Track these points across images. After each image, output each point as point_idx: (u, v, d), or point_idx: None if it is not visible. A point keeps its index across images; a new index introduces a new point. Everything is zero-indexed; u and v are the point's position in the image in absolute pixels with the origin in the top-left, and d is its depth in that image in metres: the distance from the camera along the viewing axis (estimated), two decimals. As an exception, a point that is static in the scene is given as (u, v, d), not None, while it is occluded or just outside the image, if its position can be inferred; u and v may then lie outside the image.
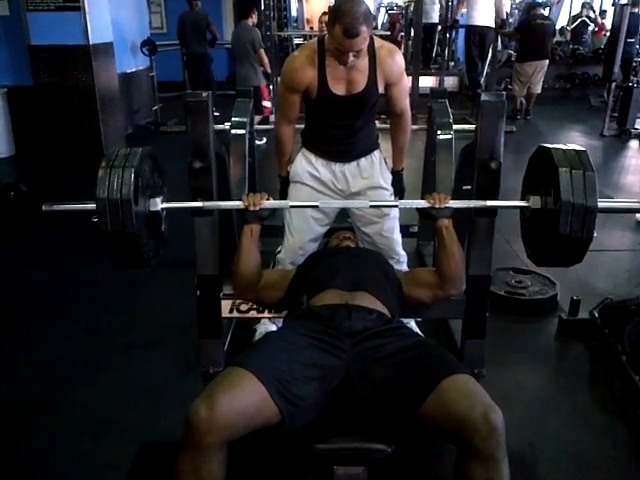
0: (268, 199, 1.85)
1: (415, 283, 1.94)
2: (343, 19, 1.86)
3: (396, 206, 2.01)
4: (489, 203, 1.89)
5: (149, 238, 1.74)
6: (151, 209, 1.75)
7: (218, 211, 2.15)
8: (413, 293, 1.92)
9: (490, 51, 7.52)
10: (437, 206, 1.80)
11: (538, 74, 7.59)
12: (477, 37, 7.28)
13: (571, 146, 1.70)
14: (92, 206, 1.66)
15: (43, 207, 1.76)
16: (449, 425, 1.33)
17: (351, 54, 1.95)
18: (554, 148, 1.68)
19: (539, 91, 7.78)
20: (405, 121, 2.31)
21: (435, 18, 9.90)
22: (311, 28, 10.58)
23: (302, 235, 2.33)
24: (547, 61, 7.69)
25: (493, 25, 7.29)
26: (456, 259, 1.85)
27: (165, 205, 1.81)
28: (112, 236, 1.63)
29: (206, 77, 7.61)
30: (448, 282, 1.86)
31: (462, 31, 8.32)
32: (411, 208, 1.92)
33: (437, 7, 9.88)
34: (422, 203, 1.85)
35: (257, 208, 1.81)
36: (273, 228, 2.64)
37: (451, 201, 1.82)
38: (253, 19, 6.29)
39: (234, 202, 1.90)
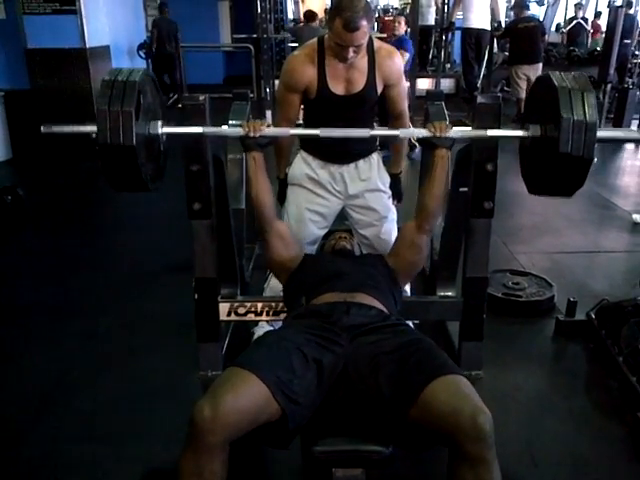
0: (268, 126, 1.87)
1: (399, 248, 1.99)
2: (343, 13, 1.88)
3: (397, 135, 2.02)
4: (489, 132, 1.89)
5: (148, 160, 1.73)
6: (151, 131, 1.75)
7: (216, 214, 2.15)
8: (402, 260, 1.97)
9: (486, 53, 7.54)
10: (438, 134, 1.84)
11: (533, 77, 7.58)
12: (473, 40, 7.30)
13: (571, 73, 1.70)
14: (92, 128, 1.65)
15: (42, 129, 1.75)
16: (438, 426, 1.33)
17: (351, 49, 1.96)
18: (553, 73, 1.69)
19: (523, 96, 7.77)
20: (404, 123, 2.32)
21: (431, 20, 9.92)
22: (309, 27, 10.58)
23: (300, 238, 2.33)
24: (540, 65, 7.58)
25: (489, 28, 7.31)
26: (437, 192, 1.92)
27: (165, 129, 1.81)
28: (111, 150, 1.62)
29: (173, 78, 8.44)
30: (424, 216, 1.92)
31: (458, 33, 8.35)
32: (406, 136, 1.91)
33: (433, 9, 9.90)
34: (423, 132, 1.89)
35: (257, 134, 1.83)
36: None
37: (452, 131, 1.85)
38: (316, 21, 7.16)
39: (234, 129, 1.90)
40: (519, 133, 1.81)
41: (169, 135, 1.85)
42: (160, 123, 1.80)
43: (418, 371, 1.41)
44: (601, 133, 1.62)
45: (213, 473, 1.31)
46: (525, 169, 1.88)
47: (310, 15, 7.44)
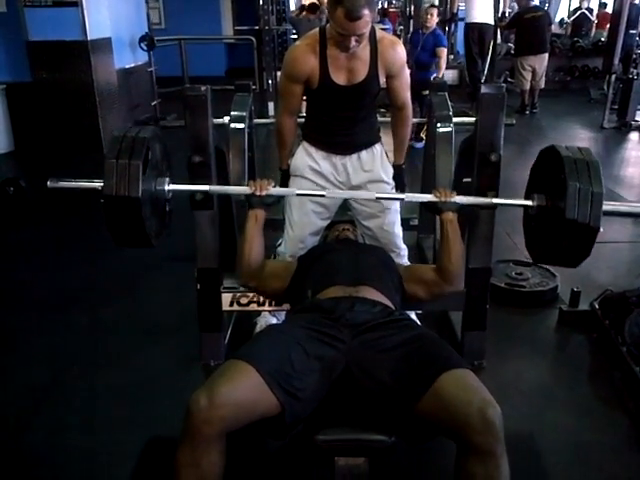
0: (275, 186, 1.86)
1: (413, 279, 1.94)
2: (345, 2, 1.86)
3: (402, 199, 2.00)
4: (495, 201, 1.89)
5: (152, 215, 1.72)
6: (157, 187, 1.75)
7: (218, 205, 2.15)
8: (410, 289, 1.92)
9: (490, 48, 7.49)
10: (443, 199, 1.80)
11: (539, 69, 7.56)
12: (476, 34, 7.25)
13: (575, 146, 1.69)
14: (98, 184, 1.66)
15: (48, 183, 1.76)
16: (446, 421, 1.32)
17: (353, 39, 1.94)
18: (558, 145, 1.69)
19: (542, 85, 7.73)
20: (406, 114, 2.31)
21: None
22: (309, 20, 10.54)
23: (303, 229, 2.33)
24: (546, 55, 7.60)
25: (492, 22, 7.26)
26: (457, 254, 1.85)
27: (172, 187, 1.80)
28: (116, 202, 1.61)
29: None
30: (447, 277, 1.86)
31: (461, 25, 8.30)
32: (411, 201, 1.92)
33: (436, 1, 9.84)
34: (428, 197, 1.85)
35: (263, 193, 1.82)
36: (273, 221, 2.64)
37: (457, 197, 1.81)
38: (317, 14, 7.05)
39: (241, 187, 1.90)
40: (525, 202, 1.78)
41: (175, 191, 1.84)
42: (167, 180, 1.79)
43: (425, 366, 1.41)
44: (606, 207, 1.60)
45: (210, 463, 1.31)
46: (530, 238, 1.85)
47: (312, 6, 7.43)
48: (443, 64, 5.79)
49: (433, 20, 5.84)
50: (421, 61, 5.88)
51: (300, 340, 1.49)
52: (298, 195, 1.97)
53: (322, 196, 2.03)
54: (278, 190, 1.89)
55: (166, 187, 1.78)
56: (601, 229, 1.60)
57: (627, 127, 6.86)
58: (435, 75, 5.72)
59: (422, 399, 1.36)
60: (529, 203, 1.75)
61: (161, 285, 3.04)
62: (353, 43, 1.96)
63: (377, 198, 2.04)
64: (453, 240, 1.84)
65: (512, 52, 8.54)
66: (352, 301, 1.65)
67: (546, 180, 1.71)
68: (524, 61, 7.53)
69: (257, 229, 1.87)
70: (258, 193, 1.81)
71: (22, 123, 5.76)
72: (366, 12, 1.88)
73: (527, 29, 7.33)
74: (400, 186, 2.43)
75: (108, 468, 1.88)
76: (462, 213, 1.95)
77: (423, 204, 1.92)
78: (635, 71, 7.28)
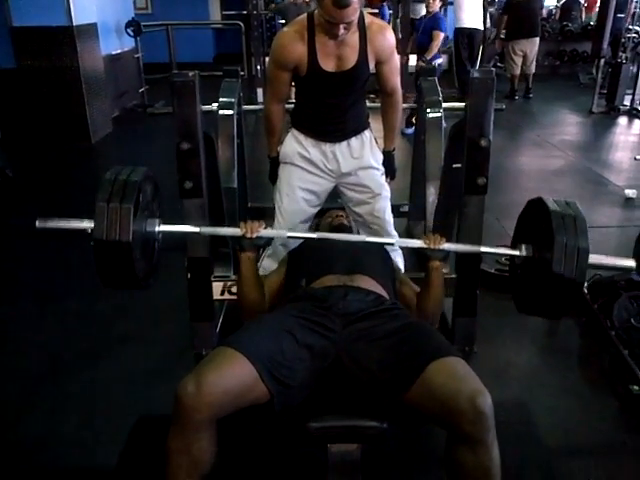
0: (265, 228, 1.83)
1: (399, 285, 1.93)
2: None
3: (392, 244, 1.98)
4: (482, 249, 1.88)
5: (142, 257, 1.69)
6: (148, 228, 1.72)
7: (208, 194, 2.13)
8: (399, 291, 1.92)
9: (479, 53, 7.47)
10: (432, 247, 1.80)
11: (530, 53, 7.56)
12: (465, 39, 7.22)
13: (570, 208, 1.69)
14: (88, 225, 1.65)
15: (37, 224, 1.74)
16: (437, 409, 1.32)
17: (342, 26, 1.92)
18: (545, 198, 1.69)
19: (533, 70, 7.75)
20: (396, 100, 2.30)
21: (422, 12, 9.80)
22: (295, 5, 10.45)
23: (292, 217, 2.32)
24: (537, 39, 7.61)
25: (481, 27, 7.26)
26: (437, 299, 1.85)
27: (162, 228, 1.77)
28: (106, 246, 1.60)
29: None
30: (424, 314, 1.85)
31: (450, 9, 8.24)
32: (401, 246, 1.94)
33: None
34: (418, 243, 1.83)
35: (254, 236, 1.78)
36: (263, 210, 2.63)
37: (446, 244, 1.81)
38: None
39: (232, 229, 1.86)
40: (512, 252, 1.78)
41: (165, 233, 1.81)
42: (157, 221, 1.76)
43: (414, 355, 1.40)
44: (593, 260, 1.61)
45: (201, 449, 1.32)
46: (515, 288, 1.86)
47: None
48: (435, 48, 5.77)
49: (436, 4, 5.89)
50: (421, 44, 5.93)
51: (291, 329, 1.48)
52: (289, 237, 1.94)
53: (313, 239, 1.93)
54: (268, 232, 1.86)
55: (157, 228, 1.76)
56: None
57: (616, 111, 6.88)
58: (426, 58, 5.71)
59: (411, 389, 1.35)
60: (516, 253, 1.75)
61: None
62: (342, 31, 1.94)
63: (366, 241, 1.92)
64: (436, 287, 1.84)
65: (502, 36, 8.51)
66: (345, 290, 1.64)
67: (533, 231, 1.71)
68: (515, 45, 7.53)
69: (251, 270, 1.83)
70: (249, 235, 1.78)
71: (7, 111, 5.67)
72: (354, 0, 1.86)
73: (518, 13, 7.33)
74: (390, 172, 2.43)
75: (103, 456, 1.88)
76: (451, 196, 1.94)
77: (413, 250, 1.94)
78: (624, 55, 7.29)
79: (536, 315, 1.82)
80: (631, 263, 1.73)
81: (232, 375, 1.34)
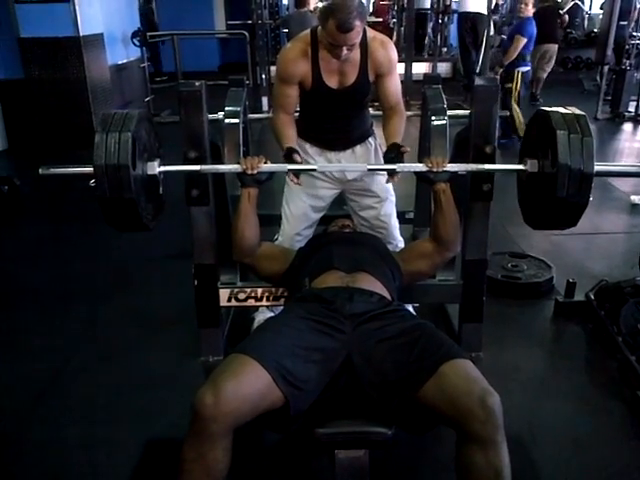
0: (266, 162, 1.87)
1: (412, 256, 1.98)
2: (337, 14, 1.84)
3: (394, 169, 1.98)
4: (487, 167, 1.91)
5: (147, 202, 1.74)
6: (148, 173, 1.75)
7: (214, 201, 2.15)
8: (412, 267, 1.96)
9: (484, 39, 7.46)
10: (435, 170, 1.83)
11: (545, 58, 7.52)
12: (469, 24, 7.21)
13: (570, 109, 1.69)
14: (90, 169, 1.66)
15: (40, 171, 1.77)
16: (447, 409, 1.34)
17: (345, 48, 1.94)
18: (552, 111, 1.68)
19: (544, 76, 7.73)
20: (399, 113, 2.21)
21: (427, 4, 9.85)
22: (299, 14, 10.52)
23: (298, 222, 2.34)
24: (556, 46, 7.53)
25: (485, 11, 7.23)
26: (452, 222, 1.91)
27: (162, 168, 1.81)
28: (110, 202, 1.64)
29: None
30: (444, 245, 1.91)
31: (456, 17, 8.27)
32: (403, 170, 1.95)
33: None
34: (420, 167, 1.87)
35: (255, 171, 1.83)
36: (269, 217, 2.64)
37: (448, 165, 1.84)
38: (309, 6, 6.59)
39: (233, 165, 1.90)
40: (518, 167, 1.81)
41: (167, 172, 1.85)
42: (157, 163, 1.79)
43: (425, 356, 1.42)
44: (598, 168, 1.63)
45: (216, 460, 1.32)
46: (522, 199, 1.90)
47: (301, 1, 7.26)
48: (512, 52, 5.54)
49: (528, 9, 5.65)
50: (502, 48, 5.77)
51: (301, 331, 1.50)
52: (289, 170, 1.97)
53: (314, 170, 2.03)
54: (269, 166, 1.89)
55: (157, 170, 1.79)
56: (591, 198, 1.65)
57: (620, 118, 6.87)
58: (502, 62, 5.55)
59: (423, 388, 1.37)
60: (521, 168, 1.77)
61: (159, 281, 3.04)
62: (344, 52, 1.96)
63: (369, 169, 2.03)
64: (447, 209, 1.89)
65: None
66: (350, 292, 1.66)
67: (539, 144, 1.72)
68: (535, 51, 7.54)
69: (250, 207, 1.89)
70: (250, 172, 1.83)
71: (15, 121, 5.72)
72: (357, 23, 1.87)
73: (538, 20, 7.34)
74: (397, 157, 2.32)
75: (108, 462, 1.88)
76: (457, 202, 1.95)
77: (416, 174, 1.95)
78: (628, 62, 7.29)
79: (542, 229, 1.88)
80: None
81: (249, 383, 1.34)
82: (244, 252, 1.93)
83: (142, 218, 1.69)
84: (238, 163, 1.88)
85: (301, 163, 2.07)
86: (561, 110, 1.69)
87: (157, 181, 1.82)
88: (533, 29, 5.72)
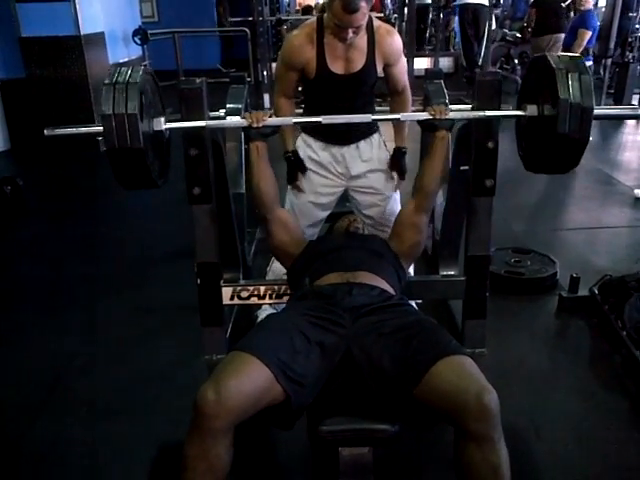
0: (271, 116, 1.90)
1: (401, 229, 1.99)
2: None
3: (398, 119, 2.02)
4: (488, 113, 1.92)
5: (155, 157, 1.77)
6: (155, 127, 1.78)
7: (216, 199, 2.14)
8: (403, 244, 1.97)
9: (485, 30, 7.42)
10: (438, 117, 1.89)
11: (552, 48, 7.49)
12: (470, 15, 7.17)
13: (567, 53, 1.77)
14: (96, 129, 1.68)
15: (45, 131, 1.78)
16: (444, 406, 1.34)
17: (350, 30, 1.95)
18: (550, 54, 1.74)
19: None
20: (406, 97, 2.30)
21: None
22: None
23: (302, 220, 2.33)
24: (562, 35, 7.57)
25: (487, 3, 7.19)
26: (437, 173, 1.96)
27: (168, 125, 1.84)
28: (119, 153, 1.66)
29: None
30: (420, 196, 1.95)
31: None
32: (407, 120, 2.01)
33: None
34: (424, 115, 1.92)
35: (260, 125, 1.85)
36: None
37: (451, 112, 1.90)
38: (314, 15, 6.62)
39: (238, 120, 1.94)
40: (517, 112, 1.85)
41: (172, 129, 1.89)
42: (163, 119, 1.83)
43: (423, 351, 1.41)
44: (597, 111, 1.68)
45: (218, 457, 1.32)
46: (522, 147, 1.93)
47: (306, 9, 7.31)
48: (578, 47, 5.35)
49: (589, 1, 5.49)
50: (566, 44, 5.57)
51: (301, 327, 1.50)
52: (295, 124, 2.02)
53: (319, 122, 1.99)
54: (274, 120, 1.92)
55: (163, 126, 1.82)
56: (590, 137, 1.68)
57: (624, 111, 6.84)
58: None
59: (420, 384, 1.37)
60: (521, 113, 1.82)
61: (161, 280, 3.05)
62: (350, 34, 1.97)
63: (373, 120, 2.06)
64: (439, 157, 1.94)
65: (507, 38, 8.55)
66: (350, 286, 1.66)
67: (538, 89, 1.77)
68: (538, 41, 7.52)
69: (261, 160, 1.92)
70: (255, 125, 1.85)
71: (17, 120, 5.73)
72: (363, 4, 1.88)
73: (544, 10, 7.32)
74: (399, 170, 2.39)
75: (112, 461, 1.89)
76: (460, 200, 1.96)
77: (418, 122, 1.99)
78: (631, 55, 7.25)
79: (543, 172, 1.91)
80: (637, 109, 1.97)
81: (250, 380, 1.35)
82: (264, 206, 1.94)
83: (151, 172, 1.72)
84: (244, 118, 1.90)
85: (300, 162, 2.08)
86: (558, 54, 1.77)
87: (163, 137, 1.86)
88: (596, 22, 5.56)
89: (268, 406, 1.39)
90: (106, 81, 1.67)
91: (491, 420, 1.28)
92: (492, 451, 1.28)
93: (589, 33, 5.41)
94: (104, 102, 1.64)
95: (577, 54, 5.13)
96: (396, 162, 2.35)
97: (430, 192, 1.98)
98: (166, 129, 1.84)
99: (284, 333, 1.48)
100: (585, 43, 5.45)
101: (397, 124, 2.36)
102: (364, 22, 1.96)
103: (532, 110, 1.77)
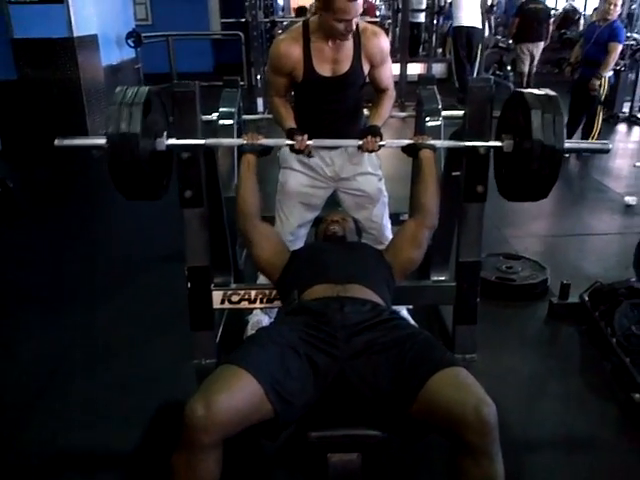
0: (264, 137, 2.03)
1: (399, 245, 1.96)
2: None
3: (383, 145, 2.05)
4: (467, 143, 2.01)
5: (156, 172, 1.89)
6: (157, 146, 1.88)
7: (208, 203, 2.14)
8: (402, 257, 1.93)
9: (478, 52, 7.49)
10: (420, 141, 1.98)
11: (536, 55, 7.74)
12: (464, 38, 7.26)
13: (544, 90, 1.86)
14: (101, 141, 1.78)
15: (55, 142, 1.88)
16: (442, 420, 1.32)
17: (353, 20, 1.96)
18: (528, 92, 1.85)
19: (534, 69, 7.99)
20: (390, 94, 2.29)
21: (422, 5, 9.87)
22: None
23: (292, 221, 2.35)
24: (542, 43, 7.83)
25: (480, 25, 7.28)
26: (433, 191, 1.97)
27: (169, 142, 1.93)
28: (121, 167, 1.77)
29: None
30: (424, 215, 1.95)
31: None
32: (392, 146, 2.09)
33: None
34: (407, 141, 2.03)
35: (255, 142, 1.98)
36: (265, 219, 2.62)
37: (432, 140, 2.00)
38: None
39: (236, 140, 2.16)
40: (494, 144, 1.96)
41: (173, 146, 1.97)
42: (164, 136, 1.92)
43: (417, 367, 1.40)
44: (568, 145, 1.84)
45: (207, 470, 1.31)
46: (497, 174, 2.03)
47: (300, 11, 7.33)
48: (611, 62, 5.06)
49: (616, 11, 5.09)
50: (589, 56, 5.21)
51: (294, 345, 1.47)
52: (286, 145, 2.10)
53: (309, 145, 2.06)
54: (268, 141, 2.04)
55: (165, 143, 1.91)
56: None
57: (615, 119, 6.89)
58: (600, 74, 5.04)
59: (415, 401, 1.35)
60: (498, 144, 1.92)
61: (152, 283, 3.03)
62: (353, 26, 1.99)
63: (359, 145, 2.07)
64: (430, 177, 1.96)
65: (500, 44, 8.68)
66: (341, 302, 1.62)
67: (515, 122, 1.87)
68: (523, 47, 7.75)
69: (250, 173, 1.99)
70: (250, 141, 1.98)
71: (8, 122, 5.69)
72: None
73: (528, 19, 7.45)
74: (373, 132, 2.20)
75: (105, 464, 1.89)
76: (450, 206, 1.96)
77: (402, 149, 2.04)
78: (622, 62, 7.30)
79: (516, 201, 2.04)
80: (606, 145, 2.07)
81: (241, 395, 1.32)
82: (246, 217, 1.95)
83: (151, 186, 1.84)
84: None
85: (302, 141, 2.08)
86: (535, 91, 1.87)
87: (165, 153, 1.93)
88: (624, 34, 5.31)
89: (257, 421, 1.37)
90: (113, 101, 1.80)
91: (490, 434, 1.26)
92: (489, 465, 1.27)
93: (620, 46, 5.15)
94: (109, 120, 1.77)
95: (605, 73, 5.09)
96: (366, 131, 2.15)
97: (431, 209, 1.94)
98: (167, 146, 1.92)
99: (277, 350, 1.45)
100: (617, 57, 5.20)
101: (377, 111, 2.26)
102: (360, 12, 1.98)
103: (508, 146, 1.89)
